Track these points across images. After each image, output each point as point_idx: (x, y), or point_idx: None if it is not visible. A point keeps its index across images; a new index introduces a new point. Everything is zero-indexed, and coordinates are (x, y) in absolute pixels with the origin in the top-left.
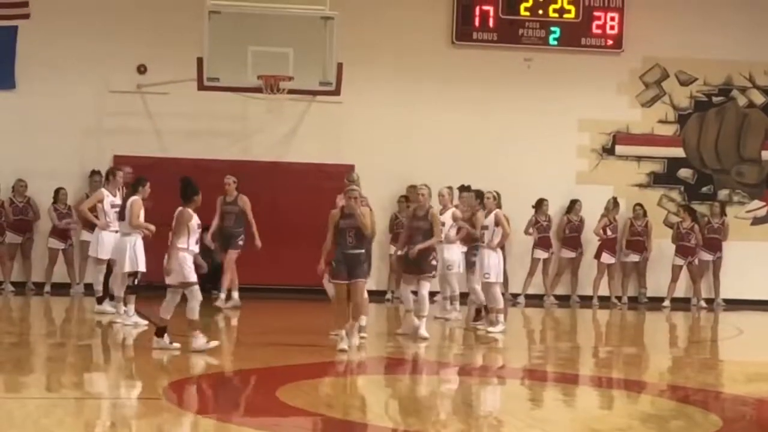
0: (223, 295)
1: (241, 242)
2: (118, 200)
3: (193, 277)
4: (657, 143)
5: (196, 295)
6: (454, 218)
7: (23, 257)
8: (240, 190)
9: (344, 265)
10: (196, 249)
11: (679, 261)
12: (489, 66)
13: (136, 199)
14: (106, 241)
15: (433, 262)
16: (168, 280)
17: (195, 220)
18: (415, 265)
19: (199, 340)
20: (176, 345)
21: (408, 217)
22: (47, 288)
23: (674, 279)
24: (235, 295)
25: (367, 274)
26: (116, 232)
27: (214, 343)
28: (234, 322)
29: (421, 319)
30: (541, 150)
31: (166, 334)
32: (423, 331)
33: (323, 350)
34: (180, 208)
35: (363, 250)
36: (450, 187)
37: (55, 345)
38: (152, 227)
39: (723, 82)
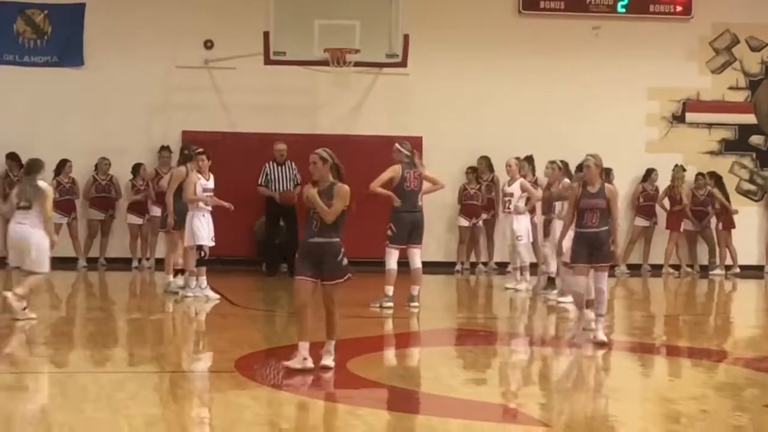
0: None
1: None
2: (210, 184)
3: None
4: (728, 110)
5: None
6: (523, 189)
7: (102, 234)
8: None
9: (308, 259)
10: None
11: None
12: (556, 35)
13: (178, 170)
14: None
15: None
16: None
17: None
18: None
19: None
20: None
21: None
22: (134, 263)
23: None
24: None
25: (343, 273)
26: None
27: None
28: None
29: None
30: (610, 119)
31: None
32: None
33: (393, 322)
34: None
35: (335, 239)
36: (518, 158)
37: (129, 320)
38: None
39: None
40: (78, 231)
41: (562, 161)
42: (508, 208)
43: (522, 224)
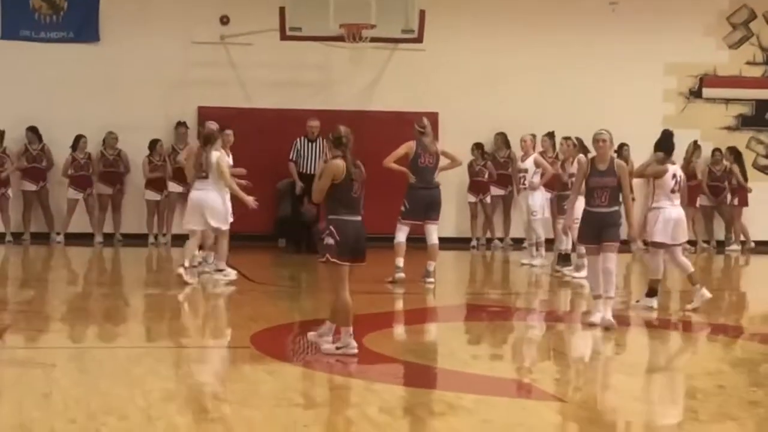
0: None
1: None
2: (231, 161)
3: None
4: (745, 85)
5: None
6: (537, 164)
7: (113, 210)
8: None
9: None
10: None
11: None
12: (573, 10)
13: (221, 155)
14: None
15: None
16: None
17: None
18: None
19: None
20: None
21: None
22: (151, 239)
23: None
24: None
25: (322, 253)
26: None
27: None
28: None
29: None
30: (627, 95)
31: None
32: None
33: (409, 298)
34: None
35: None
36: (533, 135)
37: (145, 295)
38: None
39: None
40: (94, 207)
41: (577, 138)
42: (524, 184)
43: (537, 200)
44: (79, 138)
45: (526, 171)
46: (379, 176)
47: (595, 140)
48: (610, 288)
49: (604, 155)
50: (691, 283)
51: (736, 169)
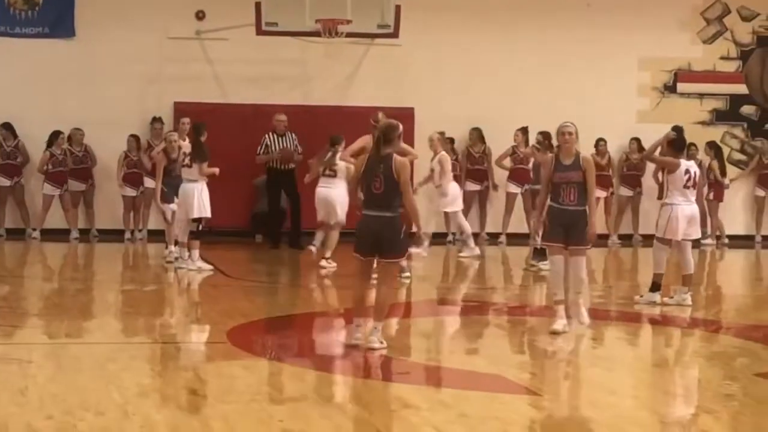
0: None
1: None
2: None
3: None
4: (719, 80)
5: None
6: (440, 163)
7: (86, 206)
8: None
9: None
10: None
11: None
12: (548, 6)
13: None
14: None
15: None
16: None
17: None
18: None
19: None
20: None
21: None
22: (127, 235)
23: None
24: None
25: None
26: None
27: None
28: (298, 266)
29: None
30: (602, 89)
31: None
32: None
33: None
34: None
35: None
36: (441, 132)
37: (121, 291)
38: (217, 170)
39: None
40: (69, 203)
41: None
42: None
43: (450, 195)
44: (56, 134)
45: (432, 170)
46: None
47: (560, 133)
48: (580, 287)
49: (570, 149)
50: (683, 282)
51: (715, 164)
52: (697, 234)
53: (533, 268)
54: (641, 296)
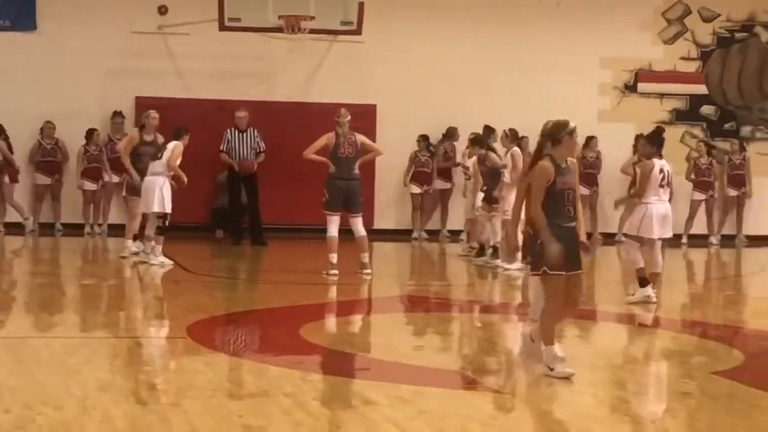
0: None
1: None
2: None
3: None
4: (679, 80)
5: None
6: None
7: (53, 199)
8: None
9: None
10: None
11: (699, 196)
12: (512, 4)
13: (179, 144)
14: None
15: None
16: None
17: None
18: None
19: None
20: None
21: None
22: (87, 229)
23: (692, 216)
24: None
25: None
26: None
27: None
28: (259, 261)
29: None
30: (563, 88)
31: None
32: None
33: (346, 289)
34: None
35: None
36: (512, 129)
37: (82, 285)
38: (184, 178)
39: (746, 18)
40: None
41: (510, 129)
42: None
43: None
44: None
45: (504, 166)
46: (322, 168)
47: (569, 133)
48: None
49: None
50: (649, 280)
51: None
52: (668, 233)
53: (489, 265)
54: (632, 294)
